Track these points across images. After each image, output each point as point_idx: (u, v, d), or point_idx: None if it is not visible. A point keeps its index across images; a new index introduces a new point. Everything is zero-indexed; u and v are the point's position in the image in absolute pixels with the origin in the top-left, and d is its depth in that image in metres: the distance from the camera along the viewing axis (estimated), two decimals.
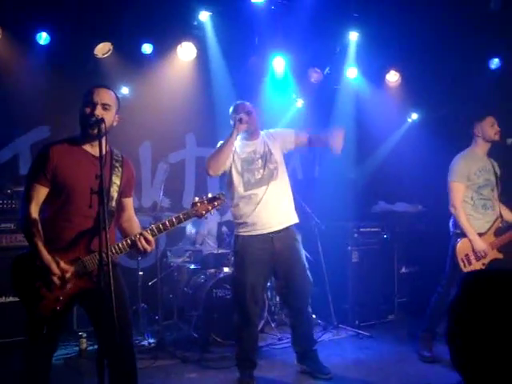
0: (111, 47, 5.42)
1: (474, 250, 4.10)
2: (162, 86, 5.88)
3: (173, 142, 6.30)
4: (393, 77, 6.72)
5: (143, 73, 5.76)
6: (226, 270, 4.97)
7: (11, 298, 4.39)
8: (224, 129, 4.22)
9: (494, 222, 4.21)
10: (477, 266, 4.09)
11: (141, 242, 2.65)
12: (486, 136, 4.24)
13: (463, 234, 4.13)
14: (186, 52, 5.82)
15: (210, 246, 5.67)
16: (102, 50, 5.40)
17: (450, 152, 4.43)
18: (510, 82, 5.77)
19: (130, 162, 2.93)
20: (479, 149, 4.30)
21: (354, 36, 6.11)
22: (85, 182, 2.61)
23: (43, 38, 5.11)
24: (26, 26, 5.00)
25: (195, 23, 5.59)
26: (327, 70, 6.46)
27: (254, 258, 3.83)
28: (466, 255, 4.11)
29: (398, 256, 5.90)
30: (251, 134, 3.97)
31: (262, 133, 4.06)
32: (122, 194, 2.84)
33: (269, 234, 3.85)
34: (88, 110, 2.65)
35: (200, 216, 2.86)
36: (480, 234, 4.12)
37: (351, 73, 6.50)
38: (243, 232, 3.89)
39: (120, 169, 2.80)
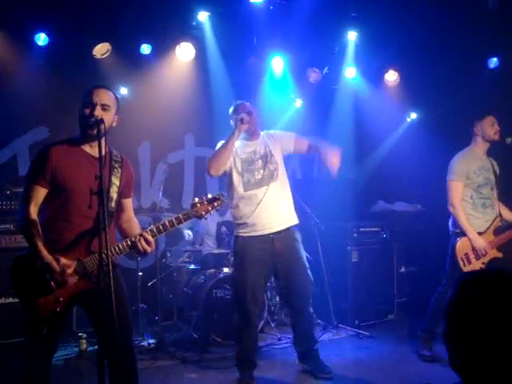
0: (110, 48, 5.41)
1: (473, 249, 4.11)
2: (160, 87, 5.87)
3: (172, 142, 6.29)
4: (391, 76, 6.72)
5: (142, 73, 5.75)
6: (225, 270, 4.96)
7: (11, 299, 4.38)
8: (223, 129, 4.22)
9: (494, 221, 4.22)
10: (476, 264, 4.10)
11: (141, 243, 2.65)
12: (485, 135, 4.25)
13: (463, 233, 4.14)
14: (184, 52, 5.81)
15: (210, 246, 5.67)
16: (101, 50, 5.39)
17: (449, 151, 4.44)
18: (508, 81, 5.77)
19: (129, 163, 2.92)
20: (479, 148, 4.30)
21: (352, 36, 6.11)
22: (84, 182, 2.61)
23: (42, 38, 5.11)
24: (25, 26, 5.00)
25: (194, 23, 5.59)
26: (326, 69, 6.46)
27: (254, 259, 3.83)
28: (466, 254, 4.12)
29: (398, 256, 5.90)
30: (251, 135, 3.96)
31: (262, 133, 4.05)
32: (122, 194, 2.83)
33: (269, 234, 3.84)
34: (87, 111, 2.64)
35: (200, 217, 2.85)
36: (479, 233, 4.13)
37: (350, 72, 6.50)
38: (243, 233, 3.89)
39: (119, 169, 2.80)
